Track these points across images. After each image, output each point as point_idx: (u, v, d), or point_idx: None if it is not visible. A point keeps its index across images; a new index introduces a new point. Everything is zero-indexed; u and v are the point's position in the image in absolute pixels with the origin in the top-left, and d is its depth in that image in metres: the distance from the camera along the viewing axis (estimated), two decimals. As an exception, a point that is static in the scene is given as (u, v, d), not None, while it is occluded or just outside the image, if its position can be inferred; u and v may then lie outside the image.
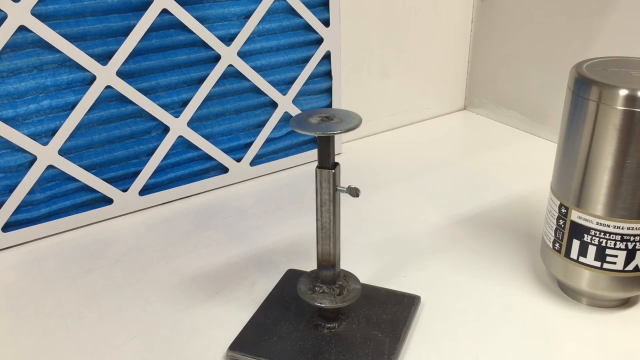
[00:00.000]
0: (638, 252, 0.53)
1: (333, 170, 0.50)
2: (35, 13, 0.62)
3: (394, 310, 0.56)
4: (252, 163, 0.83)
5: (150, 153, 0.75)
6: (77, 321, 0.57)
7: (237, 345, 0.52)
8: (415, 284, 0.61)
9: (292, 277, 0.61)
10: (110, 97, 0.70)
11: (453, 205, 0.76)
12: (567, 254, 0.56)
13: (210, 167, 0.81)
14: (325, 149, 0.50)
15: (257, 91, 0.80)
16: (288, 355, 0.51)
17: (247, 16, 0.76)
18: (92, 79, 0.67)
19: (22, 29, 0.62)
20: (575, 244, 0.55)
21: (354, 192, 0.50)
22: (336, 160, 0.51)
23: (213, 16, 0.74)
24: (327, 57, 0.85)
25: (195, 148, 0.78)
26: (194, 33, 0.72)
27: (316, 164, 0.50)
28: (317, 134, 0.48)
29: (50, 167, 0.68)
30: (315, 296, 0.53)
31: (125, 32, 0.68)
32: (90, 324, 0.56)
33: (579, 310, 0.58)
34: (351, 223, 0.72)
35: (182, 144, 0.77)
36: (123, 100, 0.70)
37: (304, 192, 0.80)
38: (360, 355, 0.51)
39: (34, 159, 0.67)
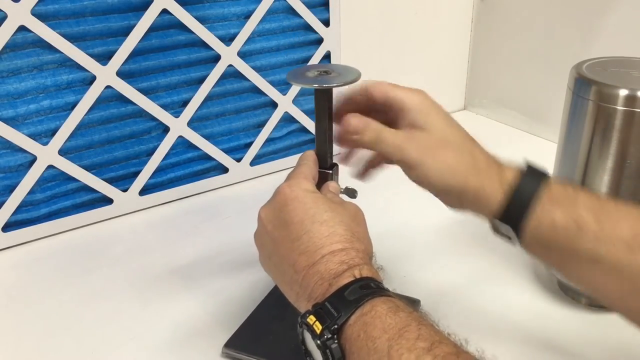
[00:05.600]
0: (638, 252, 0.53)
1: (331, 171, 0.49)
2: (35, 13, 0.62)
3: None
4: (252, 163, 0.83)
5: (150, 153, 0.75)
6: (77, 321, 0.57)
7: (233, 343, 0.52)
8: (415, 284, 0.61)
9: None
10: (110, 97, 0.70)
11: (453, 205, 0.76)
12: (567, 254, 0.56)
13: (210, 167, 0.81)
14: (323, 104, 0.47)
15: (257, 91, 0.80)
16: (282, 354, 0.51)
17: (247, 16, 0.76)
18: (92, 79, 0.67)
19: (22, 29, 0.62)
20: (575, 244, 0.55)
21: (352, 193, 0.50)
22: (334, 161, 0.51)
23: (213, 16, 0.73)
24: (327, 57, 0.85)
25: (195, 148, 0.78)
26: (194, 33, 0.72)
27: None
28: (314, 86, 0.45)
29: (50, 167, 0.68)
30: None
31: (125, 32, 0.68)
32: (90, 324, 0.56)
33: (579, 310, 0.58)
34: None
35: (182, 144, 0.77)
36: (123, 100, 0.70)
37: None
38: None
39: (34, 159, 0.67)
